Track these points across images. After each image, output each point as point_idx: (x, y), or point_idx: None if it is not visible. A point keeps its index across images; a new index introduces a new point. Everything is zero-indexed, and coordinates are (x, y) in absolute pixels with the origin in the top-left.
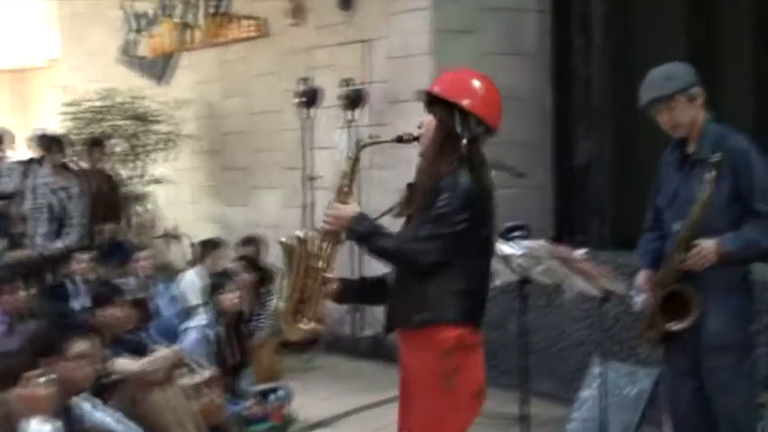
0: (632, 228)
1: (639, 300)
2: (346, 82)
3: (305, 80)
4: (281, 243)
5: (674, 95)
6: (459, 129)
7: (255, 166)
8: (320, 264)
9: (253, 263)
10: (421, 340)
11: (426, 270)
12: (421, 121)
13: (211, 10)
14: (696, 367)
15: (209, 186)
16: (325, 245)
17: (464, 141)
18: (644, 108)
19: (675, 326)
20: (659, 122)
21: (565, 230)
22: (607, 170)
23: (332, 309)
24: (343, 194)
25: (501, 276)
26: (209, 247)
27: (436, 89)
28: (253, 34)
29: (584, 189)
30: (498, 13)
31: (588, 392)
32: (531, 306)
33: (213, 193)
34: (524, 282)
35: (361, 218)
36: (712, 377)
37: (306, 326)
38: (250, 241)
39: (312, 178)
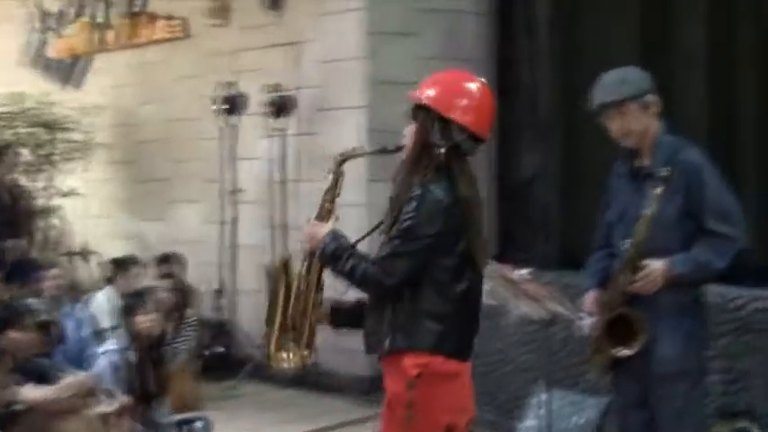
0: (580, 245)
1: (587, 323)
2: (273, 87)
3: (228, 85)
4: (265, 266)
5: (626, 101)
6: (436, 137)
7: (174, 178)
8: (307, 286)
9: (176, 282)
10: (391, 366)
11: (392, 292)
12: (407, 130)
13: (127, 9)
14: (646, 396)
15: (122, 200)
16: (309, 266)
17: (441, 151)
18: (594, 113)
19: (621, 352)
20: (610, 129)
21: (508, 248)
22: (553, 184)
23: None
24: (324, 212)
25: None
26: (121, 266)
27: (416, 94)
28: (172, 35)
29: (528, 204)
30: (437, 15)
31: (531, 422)
32: None
33: (127, 206)
34: None
35: (328, 240)
36: (663, 406)
37: (290, 356)
38: (167, 259)
39: (235, 191)
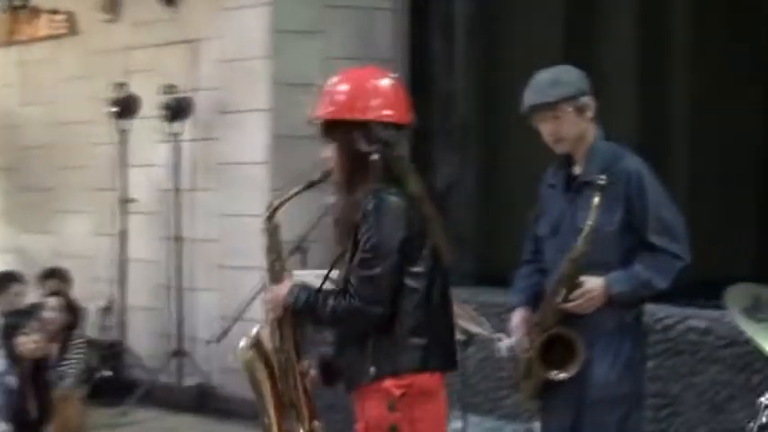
0: (498, 261)
1: (506, 344)
2: (168, 89)
3: (119, 86)
4: (242, 361)
5: (560, 103)
6: (363, 146)
7: (60, 187)
8: (287, 358)
9: (66, 301)
10: (370, 392)
11: (381, 320)
12: (326, 155)
13: (8, 2)
14: (578, 423)
15: (3, 210)
16: (282, 335)
17: (374, 157)
18: (526, 115)
19: (557, 375)
20: (542, 133)
21: None
22: (471, 196)
23: (149, 355)
24: (275, 274)
25: None
26: (2, 282)
27: (323, 113)
28: (59, 31)
29: (442, 217)
30: (347, 12)
31: None
32: None
33: (8, 217)
34: None
35: (295, 292)
36: None
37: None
38: (52, 274)
39: (127, 201)
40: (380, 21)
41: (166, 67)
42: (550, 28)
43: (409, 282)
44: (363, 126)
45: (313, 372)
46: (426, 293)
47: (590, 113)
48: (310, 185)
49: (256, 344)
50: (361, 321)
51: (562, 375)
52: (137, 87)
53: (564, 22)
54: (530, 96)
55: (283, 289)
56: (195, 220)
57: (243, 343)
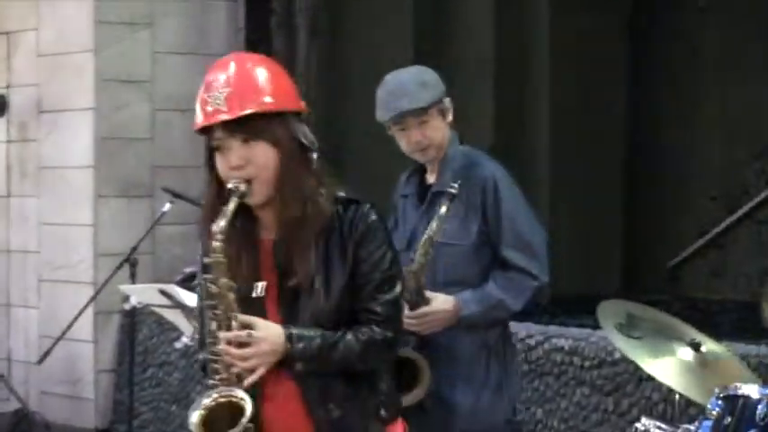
0: None
1: None
2: None
3: None
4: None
5: (431, 107)
6: (305, 139)
7: None
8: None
9: None
10: None
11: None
12: (239, 157)
13: None
14: None
15: None
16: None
17: (315, 155)
18: (387, 122)
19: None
20: (404, 142)
21: None
22: None
23: None
24: (234, 322)
25: (185, 335)
26: None
27: (248, 106)
28: None
29: None
30: (177, 4)
31: None
32: None
33: None
34: None
35: (296, 338)
36: None
37: None
38: None
39: None
40: (216, 12)
41: None
42: (401, 18)
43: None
44: (294, 119)
45: None
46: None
47: (450, 116)
48: (241, 197)
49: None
50: (391, 354)
51: (408, 399)
52: None
53: (414, 15)
54: (398, 101)
55: (273, 332)
56: (12, 230)
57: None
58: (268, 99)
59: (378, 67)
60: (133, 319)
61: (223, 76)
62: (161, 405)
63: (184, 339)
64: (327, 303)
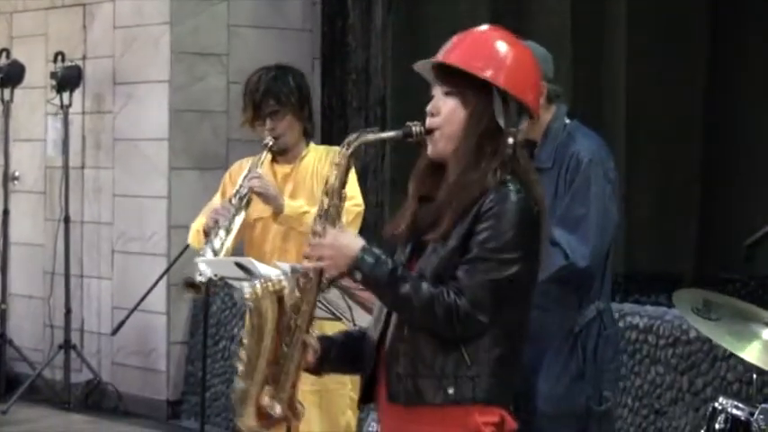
0: None
1: None
2: (58, 56)
3: (3, 53)
4: (254, 297)
5: None
6: (503, 121)
7: None
8: (298, 322)
9: None
10: (442, 419)
11: (471, 332)
12: (434, 106)
13: None
14: None
15: None
16: (304, 294)
17: (510, 140)
18: None
19: None
20: None
21: None
22: (387, 178)
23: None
24: (329, 219)
25: None
26: None
27: (461, 61)
28: None
29: None
30: None
31: None
32: None
33: None
34: None
35: (372, 254)
36: None
37: (273, 410)
38: None
39: (8, 179)
40: None
41: (56, 33)
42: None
43: (521, 305)
44: (502, 97)
45: (315, 351)
46: (525, 323)
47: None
48: (406, 136)
49: (276, 291)
50: (462, 325)
51: None
52: (22, 54)
53: None
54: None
55: (351, 243)
56: (86, 201)
57: (260, 284)
58: (485, 68)
59: None
60: (207, 292)
61: (471, 33)
62: (233, 377)
63: None
64: (441, 261)
